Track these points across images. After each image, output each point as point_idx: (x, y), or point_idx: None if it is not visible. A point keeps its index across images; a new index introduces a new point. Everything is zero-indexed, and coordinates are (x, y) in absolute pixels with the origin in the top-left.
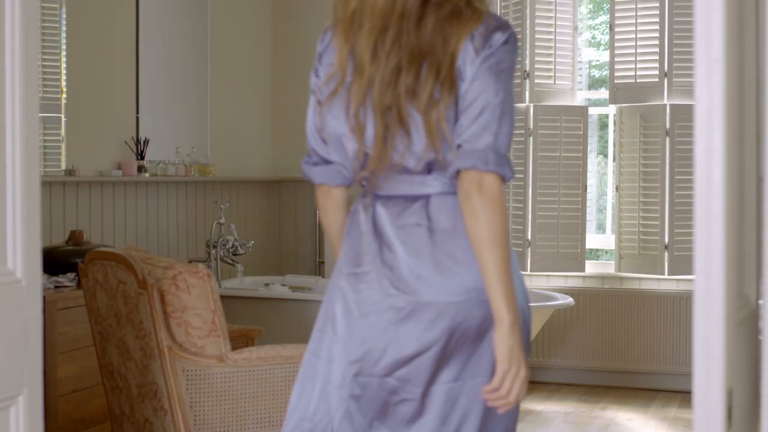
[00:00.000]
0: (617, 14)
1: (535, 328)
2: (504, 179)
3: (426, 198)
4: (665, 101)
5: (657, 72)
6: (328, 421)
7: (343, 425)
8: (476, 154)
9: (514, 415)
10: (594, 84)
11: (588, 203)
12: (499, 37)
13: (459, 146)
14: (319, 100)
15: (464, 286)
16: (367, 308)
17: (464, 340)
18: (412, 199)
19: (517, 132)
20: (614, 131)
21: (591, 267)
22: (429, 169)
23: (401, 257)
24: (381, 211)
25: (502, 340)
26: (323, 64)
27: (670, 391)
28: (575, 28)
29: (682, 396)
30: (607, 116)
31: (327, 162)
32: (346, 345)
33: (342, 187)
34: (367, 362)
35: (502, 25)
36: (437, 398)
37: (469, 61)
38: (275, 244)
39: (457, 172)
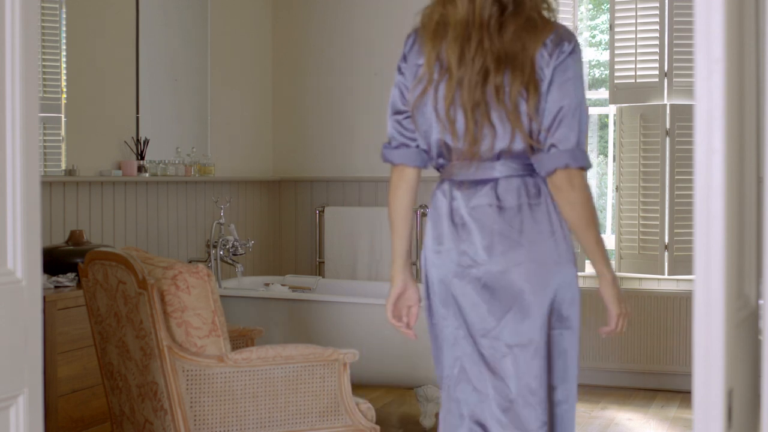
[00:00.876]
0: (617, 14)
1: None
2: (586, 170)
3: (495, 181)
4: (665, 101)
5: (657, 72)
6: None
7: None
8: (567, 154)
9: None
10: (594, 84)
11: None
12: (566, 47)
13: (550, 148)
14: (404, 94)
15: (528, 255)
16: None
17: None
18: (483, 182)
19: None
20: (614, 131)
21: (591, 267)
22: (498, 156)
23: (474, 234)
24: (457, 194)
25: (609, 292)
26: (408, 64)
27: (670, 391)
28: (575, 28)
29: (682, 396)
30: (607, 116)
31: (407, 146)
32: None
33: (417, 168)
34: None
35: (569, 36)
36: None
37: (545, 65)
38: (275, 244)
39: (552, 169)
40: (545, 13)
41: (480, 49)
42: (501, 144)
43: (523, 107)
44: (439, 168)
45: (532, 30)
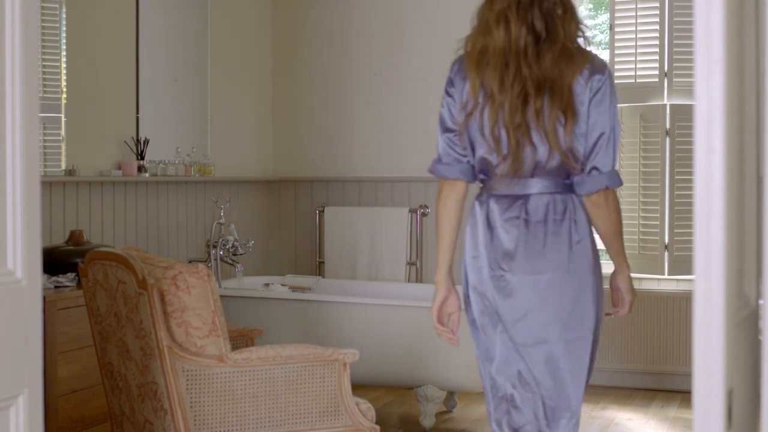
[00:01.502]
0: (617, 14)
1: None
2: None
3: (526, 197)
4: (665, 101)
5: (657, 72)
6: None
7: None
8: (606, 177)
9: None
10: None
11: None
12: (600, 77)
13: (592, 171)
14: (453, 114)
15: (547, 266)
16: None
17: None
18: (516, 197)
19: None
20: None
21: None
22: (534, 173)
23: (505, 243)
24: (493, 207)
25: (626, 283)
26: (456, 88)
27: (670, 391)
28: None
29: (682, 396)
30: None
31: (459, 161)
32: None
33: (467, 183)
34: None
35: (603, 65)
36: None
37: (581, 92)
38: (275, 244)
39: (595, 191)
40: (581, 46)
41: (518, 76)
42: (540, 162)
43: (561, 130)
44: (480, 182)
45: (569, 59)
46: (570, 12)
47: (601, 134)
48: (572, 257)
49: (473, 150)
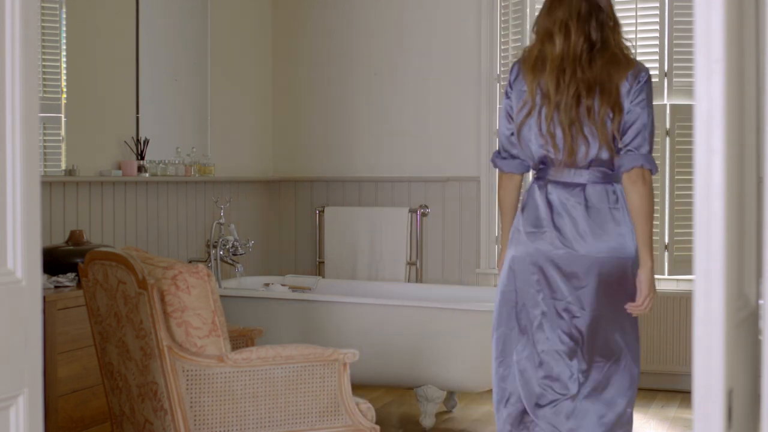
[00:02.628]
0: (617, 14)
1: None
2: (653, 173)
3: (583, 186)
4: (665, 101)
5: (657, 72)
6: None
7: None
8: (642, 157)
9: (637, 325)
10: None
11: None
12: (641, 80)
13: (629, 151)
14: (510, 116)
15: (608, 246)
16: None
17: (608, 282)
18: (573, 185)
19: None
20: None
21: None
22: (588, 164)
23: (567, 223)
24: (552, 190)
25: (646, 276)
26: (514, 90)
27: (670, 391)
28: None
29: (682, 396)
30: None
31: (514, 157)
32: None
33: (521, 174)
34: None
35: (644, 70)
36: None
37: (626, 92)
38: (275, 244)
39: (630, 167)
40: (627, 53)
41: (573, 78)
42: (592, 154)
43: (609, 124)
44: (537, 171)
45: (616, 64)
46: (617, 24)
47: (639, 125)
48: (625, 241)
49: (531, 145)
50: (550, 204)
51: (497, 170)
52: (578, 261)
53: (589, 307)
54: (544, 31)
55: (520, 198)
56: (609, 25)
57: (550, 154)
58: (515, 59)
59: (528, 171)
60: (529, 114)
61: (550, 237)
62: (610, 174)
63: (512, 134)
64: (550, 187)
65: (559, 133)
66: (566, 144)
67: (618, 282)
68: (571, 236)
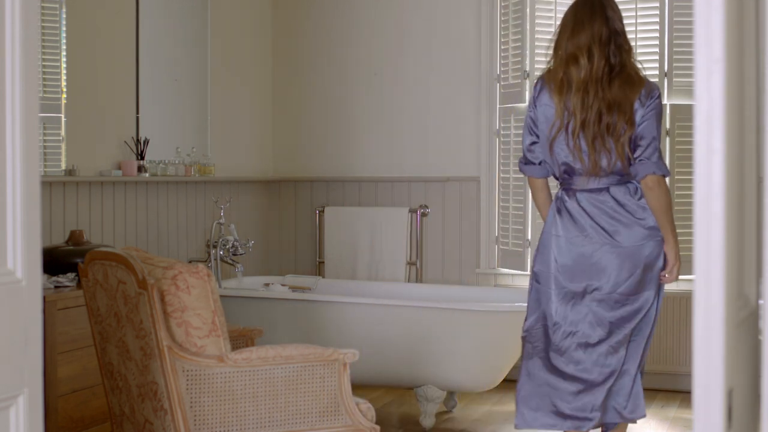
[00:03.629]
0: None
1: None
2: (666, 176)
3: (607, 188)
4: (665, 101)
5: (657, 72)
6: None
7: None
8: (654, 165)
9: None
10: None
11: None
12: (651, 98)
13: (641, 161)
14: (535, 126)
15: (638, 236)
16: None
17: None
18: (597, 191)
19: (516, 132)
20: None
21: None
22: (608, 172)
23: (599, 222)
24: (581, 197)
25: (672, 249)
26: (538, 106)
27: (670, 391)
28: None
29: (682, 396)
30: None
31: (536, 164)
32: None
33: (546, 178)
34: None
35: (655, 88)
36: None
37: (639, 108)
38: (275, 244)
39: (644, 175)
40: (640, 74)
41: (596, 98)
42: (612, 165)
43: (624, 138)
44: (561, 180)
45: (631, 84)
46: (631, 48)
47: (650, 137)
48: (644, 233)
49: (559, 157)
50: (581, 208)
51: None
52: (602, 252)
53: (610, 291)
54: (568, 55)
55: (553, 204)
56: (625, 48)
57: (576, 165)
58: (539, 75)
59: (549, 176)
60: (558, 131)
61: (591, 237)
62: (625, 176)
63: (532, 144)
64: (578, 195)
65: (584, 146)
66: (591, 156)
67: (649, 267)
68: (604, 231)
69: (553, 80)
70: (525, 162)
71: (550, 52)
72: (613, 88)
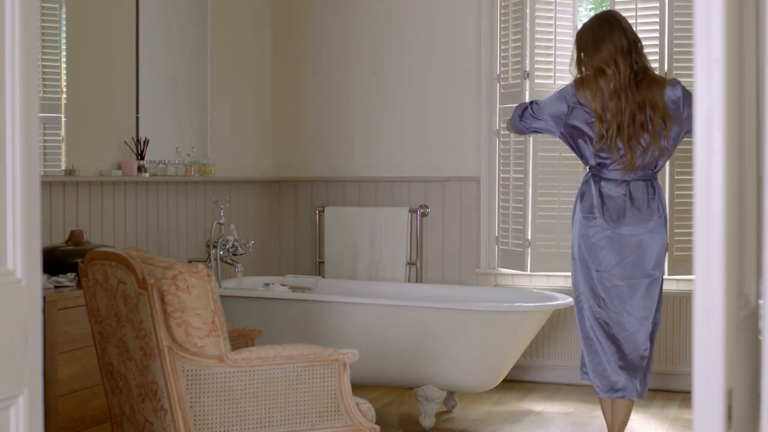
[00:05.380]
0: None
1: (535, 329)
2: None
3: (629, 182)
4: None
5: (657, 72)
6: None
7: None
8: None
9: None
10: None
11: None
12: (679, 88)
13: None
14: (558, 118)
15: (645, 227)
16: (597, 238)
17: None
18: (622, 182)
19: None
20: None
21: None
22: (639, 167)
23: (613, 211)
24: (605, 186)
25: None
26: (570, 106)
27: (670, 391)
28: (575, 28)
29: (682, 396)
30: None
31: (527, 129)
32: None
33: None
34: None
35: (677, 81)
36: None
37: (670, 103)
38: (275, 244)
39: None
40: (657, 73)
41: (627, 102)
42: (646, 160)
43: (662, 132)
44: (592, 169)
45: (655, 83)
46: (644, 51)
47: (690, 129)
48: (658, 224)
49: (602, 153)
50: (602, 196)
51: (514, 125)
52: (624, 240)
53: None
54: (596, 69)
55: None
56: (643, 54)
57: (613, 161)
58: (574, 79)
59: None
60: (602, 137)
61: (601, 221)
62: (650, 173)
63: (536, 129)
64: (602, 183)
65: (620, 145)
66: (627, 155)
67: (650, 254)
68: (617, 221)
69: (588, 89)
70: (520, 119)
71: (573, 68)
72: (641, 90)
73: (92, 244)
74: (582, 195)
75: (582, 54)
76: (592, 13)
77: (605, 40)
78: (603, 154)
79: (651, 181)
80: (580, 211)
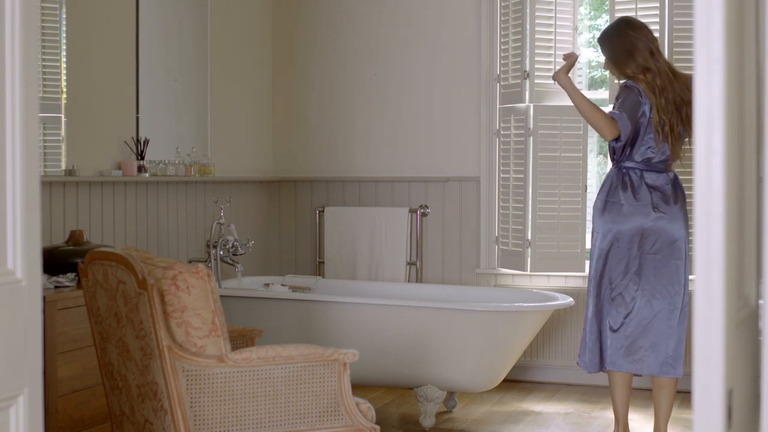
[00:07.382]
0: (617, 14)
1: (535, 329)
2: None
3: (667, 172)
4: None
5: None
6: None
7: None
8: None
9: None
10: (594, 84)
11: (588, 203)
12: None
13: None
14: (640, 111)
15: (677, 214)
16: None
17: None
18: (661, 171)
19: (516, 132)
20: None
21: None
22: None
23: (652, 198)
24: (646, 175)
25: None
26: (641, 104)
27: None
28: (575, 28)
29: (682, 396)
30: None
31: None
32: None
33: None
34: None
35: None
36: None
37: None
38: (275, 244)
39: None
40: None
41: (671, 97)
42: (682, 152)
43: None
44: (636, 157)
45: (683, 78)
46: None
47: None
48: (684, 212)
49: (648, 142)
50: (645, 184)
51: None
52: (658, 226)
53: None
54: (642, 69)
55: (621, 178)
56: (663, 53)
57: (653, 152)
58: (633, 84)
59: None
60: (661, 130)
61: (647, 210)
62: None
63: (629, 118)
64: (645, 173)
65: (668, 141)
66: (671, 146)
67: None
68: (654, 207)
69: (649, 94)
70: (623, 120)
71: (616, 78)
72: (675, 87)
73: (92, 244)
74: (624, 185)
75: (622, 57)
76: (592, 14)
77: (638, 42)
78: (653, 147)
79: (671, 170)
80: (624, 200)
